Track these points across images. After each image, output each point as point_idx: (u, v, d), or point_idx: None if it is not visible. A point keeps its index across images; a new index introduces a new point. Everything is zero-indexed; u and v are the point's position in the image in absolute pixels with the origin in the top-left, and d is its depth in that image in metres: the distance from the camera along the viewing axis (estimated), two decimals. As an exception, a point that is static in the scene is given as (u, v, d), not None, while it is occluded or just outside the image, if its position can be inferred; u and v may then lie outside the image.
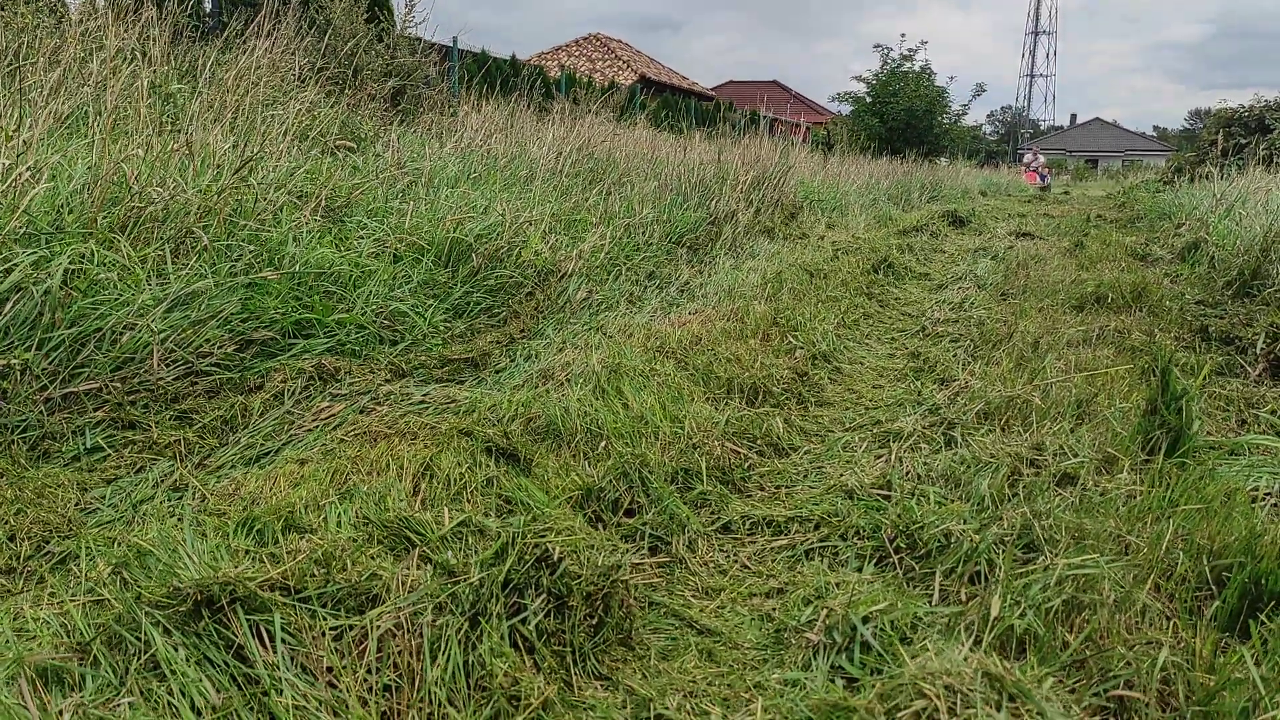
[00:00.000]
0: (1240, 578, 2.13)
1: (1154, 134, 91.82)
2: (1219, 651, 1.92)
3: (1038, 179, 29.89)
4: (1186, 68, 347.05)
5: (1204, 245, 7.92)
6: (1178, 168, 19.32)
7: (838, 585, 2.36)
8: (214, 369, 3.28)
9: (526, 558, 2.02)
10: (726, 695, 1.93)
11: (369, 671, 1.72)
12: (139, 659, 1.65)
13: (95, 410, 2.91)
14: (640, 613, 2.23)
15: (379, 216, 4.86)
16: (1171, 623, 2.03)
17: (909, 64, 28.71)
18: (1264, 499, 2.88)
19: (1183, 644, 1.92)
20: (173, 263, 3.48)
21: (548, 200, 6.46)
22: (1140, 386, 3.87)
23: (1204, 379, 3.90)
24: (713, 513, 2.85)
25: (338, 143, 5.73)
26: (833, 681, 1.88)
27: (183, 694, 1.60)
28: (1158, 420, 3.10)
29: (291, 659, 1.70)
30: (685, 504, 2.78)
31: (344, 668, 1.71)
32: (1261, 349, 4.58)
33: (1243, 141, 15.47)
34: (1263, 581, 2.12)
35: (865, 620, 2.03)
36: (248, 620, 1.74)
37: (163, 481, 2.66)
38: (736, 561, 2.60)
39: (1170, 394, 3.10)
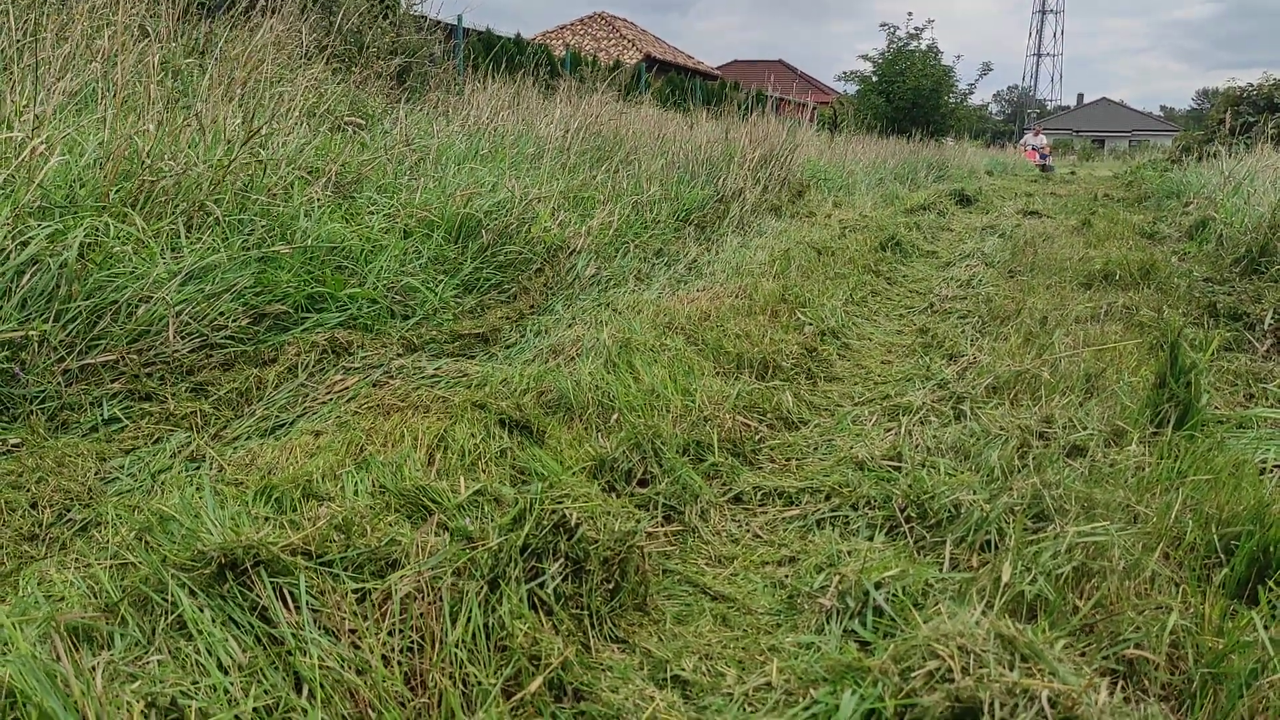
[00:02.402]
0: (1249, 546, 2.15)
1: (1161, 114, 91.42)
2: (1227, 617, 1.94)
3: (1037, 157, 29.66)
4: (1195, 47, 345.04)
5: (1212, 223, 7.91)
6: (1185, 147, 19.25)
7: (849, 553, 2.39)
8: (228, 342, 3.30)
9: (544, 523, 2.05)
10: (741, 657, 1.96)
11: (391, 633, 1.74)
12: (166, 619, 1.68)
13: (112, 382, 2.94)
14: (655, 579, 2.26)
15: (389, 192, 4.87)
16: (1180, 589, 2.05)
17: (915, 43, 28.52)
18: (1272, 470, 2.90)
19: (1191, 609, 1.95)
20: (186, 236, 3.50)
21: (556, 178, 6.47)
22: (1149, 361, 3.88)
23: (1212, 354, 3.91)
24: (724, 484, 2.88)
25: (346, 119, 5.74)
26: (846, 644, 1.90)
27: (209, 653, 1.63)
28: (1166, 394, 3.11)
29: (315, 620, 1.73)
30: (697, 475, 2.81)
31: (366, 629, 1.74)
32: (1270, 325, 4.59)
33: (1251, 120, 15.41)
34: (1271, 549, 2.14)
35: (878, 586, 2.06)
36: (271, 583, 1.76)
37: (180, 452, 2.69)
38: (749, 531, 2.62)
39: (1179, 368, 3.11)
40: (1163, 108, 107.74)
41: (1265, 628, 1.81)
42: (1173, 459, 2.71)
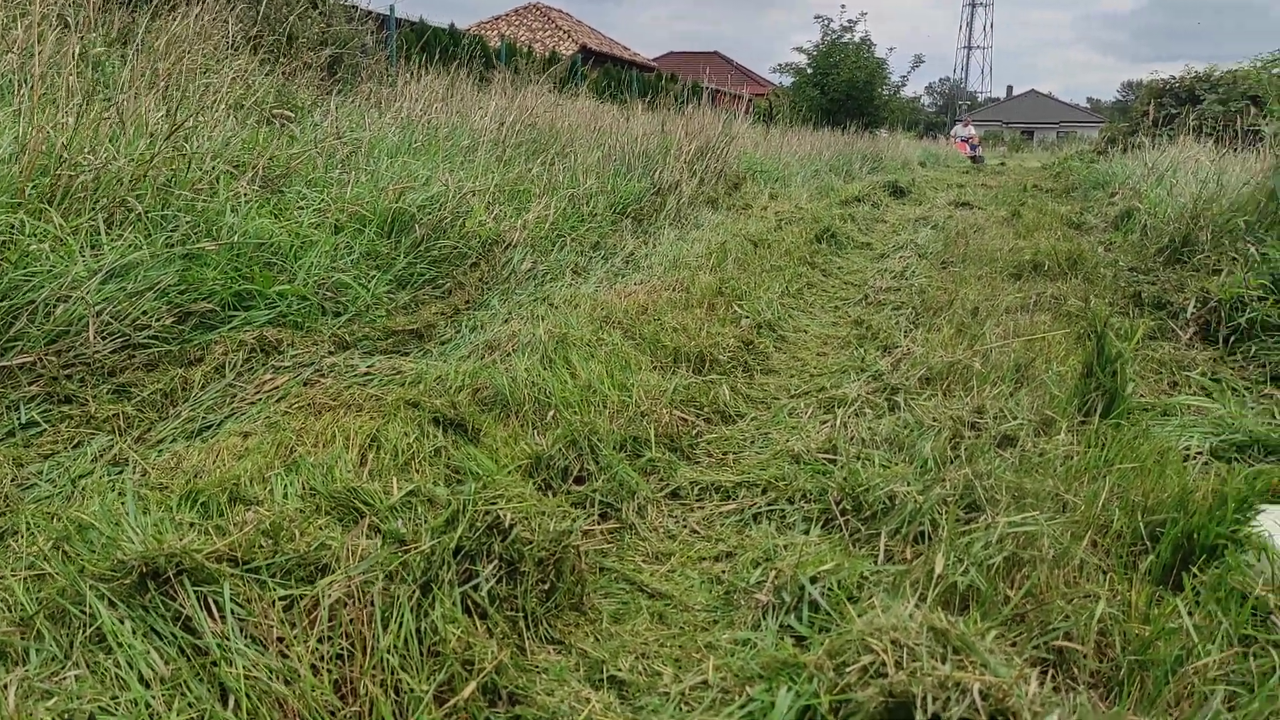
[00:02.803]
0: (1173, 532, 2.19)
1: (1088, 105, 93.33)
2: (1154, 603, 1.97)
3: (968, 149, 30.06)
4: (1119, 40, 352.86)
5: (1136, 214, 8.08)
6: (1111, 138, 19.65)
7: (786, 547, 2.39)
8: (152, 341, 3.21)
9: (478, 525, 2.02)
10: (678, 656, 1.95)
11: (320, 640, 1.71)
12: (84, 632, 1.63)
13: (30, 385, 2.84)
14: (592, 578, 2.25)
15: (319, 187, 4.78)
16: (1108, 577, 2.09)
17: (849, 35, 28.79)
18: (1195, 457, 2.97)
19: (1119, 597, 1.98)
20: (106, 234, 3.40)
21: (491, 171, 6.41)
22: (1077, 351, 3.95)
23: (1137, 343, 3.99)
24: (662, 479, 2.87)
25: (274, 112, 5.62)
26: (782, 640, 1.91)
27: (130, 666, 1.58)
28: (1093, 383, 3.17)
29: (241, 629, 1.69)
30: (634, 471, 2.80)
31: (295, 637, 1.70)
32: (1192, 313, 4.71)
33: (1173, 112, 15.78)
34: (1194, 536, 2.18)
35: (813, 580, 2.06)
36: (195, 592, 1.72)
37: (102, 456, 2.61)
38: (686, 526, 2.62)
39: (1105, 357, 3.17)
40: (1089, 99, 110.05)
41: (1189, 614, 1.85)
42: (1100, 448, 2.76)
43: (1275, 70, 6.49)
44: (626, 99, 13.32)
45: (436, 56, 9.73)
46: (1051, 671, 1.78)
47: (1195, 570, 2.10)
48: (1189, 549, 2.18)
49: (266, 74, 6.52)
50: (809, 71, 28.77)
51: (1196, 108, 15.04)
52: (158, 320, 3.24)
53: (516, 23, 35.15)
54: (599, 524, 2.51)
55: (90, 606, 1.66)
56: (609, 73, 20.64)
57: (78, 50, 4.38)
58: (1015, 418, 3.08)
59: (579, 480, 2.69)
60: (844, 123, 23.88)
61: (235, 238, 3.76)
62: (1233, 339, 4.40)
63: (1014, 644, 1.83)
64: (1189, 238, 6.16)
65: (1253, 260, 4.99)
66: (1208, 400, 3.59)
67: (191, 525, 2.02)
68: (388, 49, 11.07)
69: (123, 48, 5.40)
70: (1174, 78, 17.62)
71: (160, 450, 2.70)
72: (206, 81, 5.04)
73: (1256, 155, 7.93)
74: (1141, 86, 21.17)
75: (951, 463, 2.76)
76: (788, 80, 29.98)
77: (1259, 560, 2.15)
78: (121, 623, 1.65)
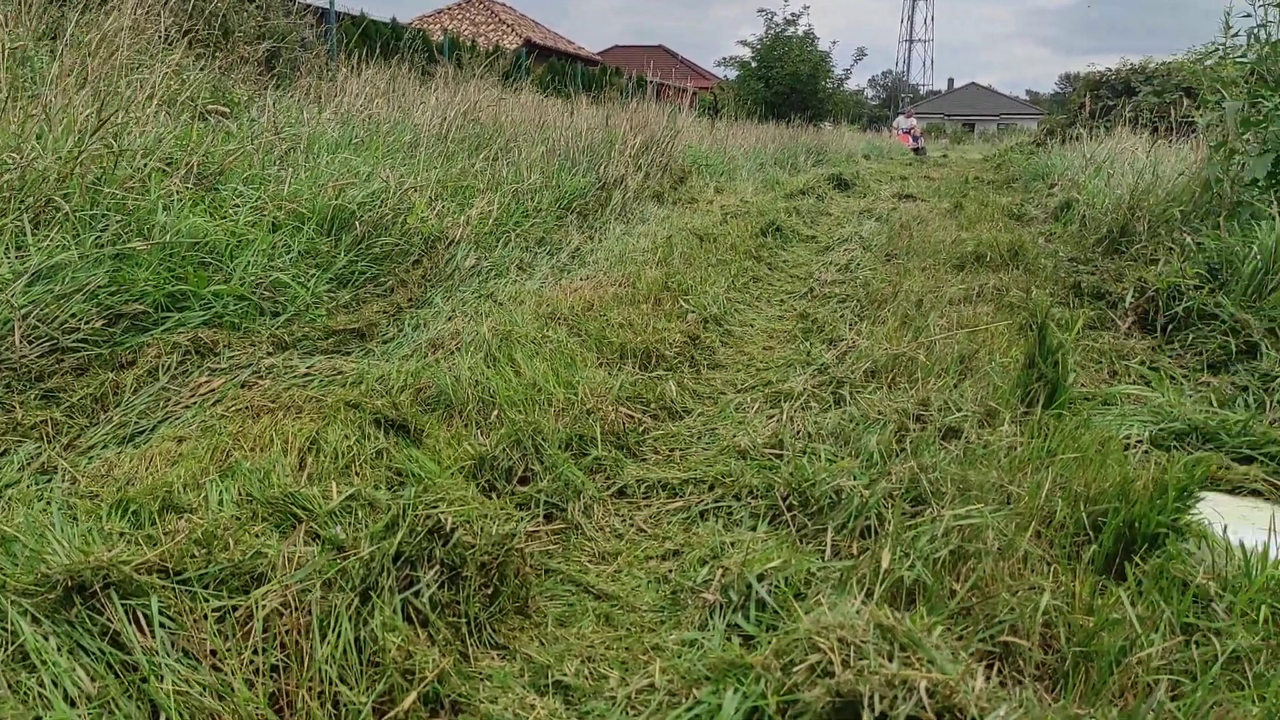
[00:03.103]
0: (1115, 522, 2.21)
1: (1027, 98, 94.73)
2: (1097, 594, 1.99)
3: (910, 140, 30.34)
4: (1058, 33, 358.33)
5: (1075, 205, 8.21)
6: (1050, 130, 19.97)
7: (733, 545, 2.38)
8: (82, 345, 3.11)
9: (418, 529, 1.98)
10: (625, 658, 1.93)
11: (255, 652, 1.66)
12: (5, 650, 1.56)
13: (-49, 392, 2.74)
14: (537, 580, 2.21)
15: (256, 184, 4.68)
16: (1052, 568, 2.10)
17: (793, 29, 28.95)
18: (1135, 446, 3.00)
19: (1063, 588, 1.99)
20: (33, 234, 3.29)
21: (433, 166, 6.32)
22: (1019, 342, 3.99)
23: (1078, 333, 4.04)
24: (608, 478, 2.85)
25: (209, 107, 5.49)
26: (730, 640, 1.89)
27: (55, 684, 1.52)
28: (1035, 374, 3.20)
29: (172, 643, 1.63)
30: (580, 470, 2.77)
31: (229, 650, 1.65)
32: (1130, 303, 4.78)
33: (1110, 104, 16.06)
34: (1136, 525, 2.20)
35: (760, 578, 2.05)
36: (123, 605, 1.66)
37: (29, 464, 2.52)
38: (632, 525, 2.60)
39: (1047, 348, 3.20)
40: (1028, 92, 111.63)
41: (1132, 604, 1.86)
42: (1042, 438, 2.78)
43: (1208, 62, 6.61)
44: (571, 93, 13.24)
45: (378, 51, 9.59)
46: (998, 665, 1.78)
47: (1137, 559, 2.12)
48: (1131, 538, 2.20)
49: (201, 69, 6.37)
50: (753, 65, 28.89)
51: (1132, 99, 15.33)
52: (87, 323, 3.15)
53: (460, 16, 34.86)
54: (544, 525, 2.48)
55: (12, 623, 1.60)
56: (554, 67, 20.55)
57: (6, 46, 4.24)
58: (959, 410, 3.10)
59: (524, 481, 2.65)
60: (789, 116, 24.02)
61: (168, 237, 3.66)
62: (1170, 328, 4.47)
63: (960, 638, 1.83)
64: (1127, 228, 6.27)
65: (1188, 250, 5.08)
66: (1147, 389, 3.64)
67: (121, 535, 1.96)
68: (328, 43, 10.90)
69: (52, 42, 5.24)
70: (1110, 70, 17.94)
71: (90, 457, 2.62)
72: (139, 77, 4.91)
73: (1191, 146, 8.09)
74: (1079, 79, 21.52)
75: (897, 456, 2.76)
76: (733, 74, 30.09)
77: (1199, 548, 2.18)
78: (46, 639, 1.58)
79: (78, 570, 1.67)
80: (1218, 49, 6.66)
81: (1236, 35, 6.40)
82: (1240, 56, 6.37)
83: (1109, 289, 5.10)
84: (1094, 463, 2.55)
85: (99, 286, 3.25)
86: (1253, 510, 2.72)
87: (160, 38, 6.04)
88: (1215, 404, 3.51)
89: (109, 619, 1.64)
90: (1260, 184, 5.57)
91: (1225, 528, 2.29)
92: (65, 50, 4.72)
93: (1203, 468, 2.35)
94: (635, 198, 8.37)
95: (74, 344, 3.09)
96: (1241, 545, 2.17)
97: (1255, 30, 6.15)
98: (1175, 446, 3.13)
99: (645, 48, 52.02)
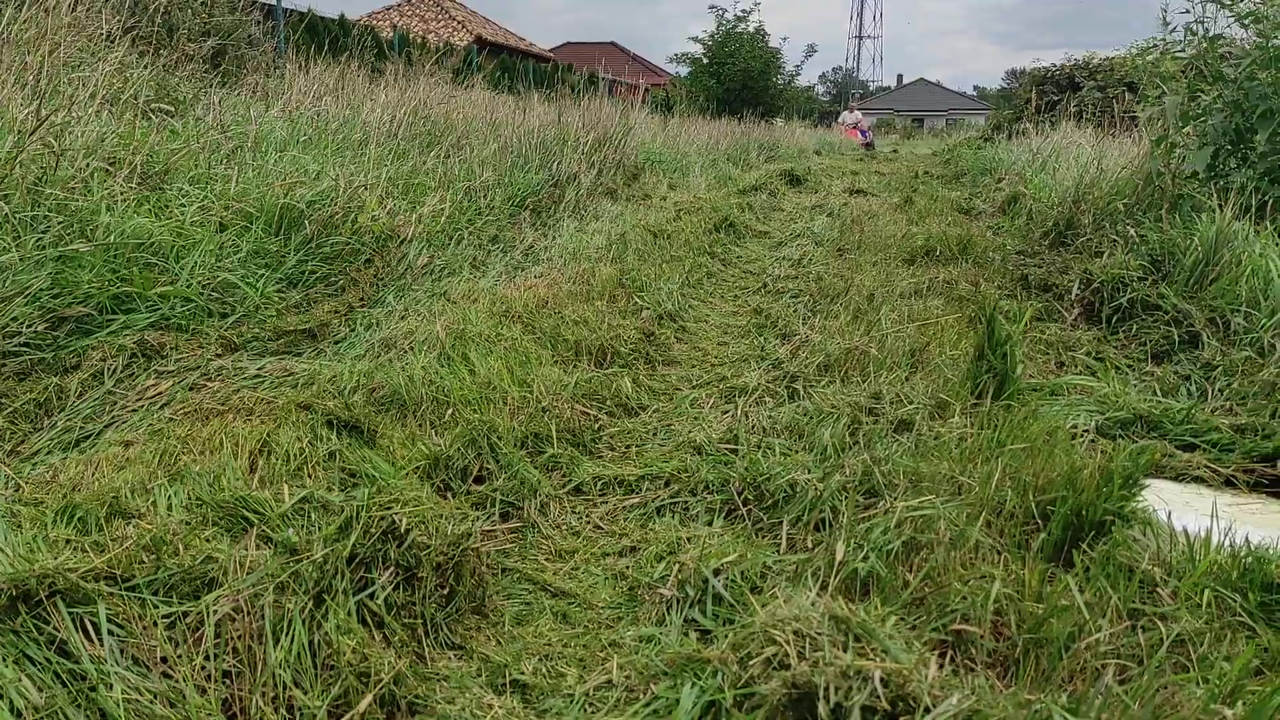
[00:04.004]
0: (1063, 510, 2.25)
1: (975, 93, 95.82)
2: (1046, 581, 2.02)
3: (859, 135, 30.49)
4: (1006, 29, 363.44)
5: (1022, 199, 8.33)
6: (997, 125, 20.25)
7: (689, 540, 2.39)
8: (23, 349, 3.05)
9: (373, 531, 1.97)
10: (582, 656, 1.93)
11: (207, 658, 1.63)
12: (-52, 663, 1.53)
13: (-112, 399, 2.67)
14: (493, 580, 2.21)
15: (202, 183, 4.61)
16: (1002, 557, 2.13)
17: (743, 25, 29.04)
18: (1082, 435, 3.05)
19: (1013, 576, 2.02)
20: (-29, 236, 3.22)
21: (384, 164, 6.26)
22: (969, 334, 4.04)
23: (1025, 325, 4.10)
24: (564, 475, 2.84)
25: (153, 106, 5.40)
26: (687, 635, 1.90)
27: (1, 695, 1.49)
28: (985, 366, 3.24)
29: (121, 651, 1.61)
30: (536, 468, 2.76)
31: (179, 656, 1.62)
32: (1076, 295, 4.86)
33: (1055, 99, 16.31)
34: (1083, 513, 2.24)
35: (716, 573, 2.06)
36: (71, 614, 1.63)
37: (-30, 472, 2.46)
38: (589, 522, 2.59)
39: (995, 340, 3.24)
40: (976, 87, 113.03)
41: (1080, 591, 1.90)
42: (992, 429, 2.82)
43: (1149, 57, 6.73)
44: (522, 90, 13.19)
45: (326, 47, 9.48)
46: (951, 653, 1.81)
47: (1085, 547, 2.15)
48: (1079, 526, 2.24)
49: (145, 66, 6.26)
50: (705, 61, 28.95)
51: (1077, 94, 15.57)
52: (29, 326, 3.08)
53: (410, 13, 34.57)
54: (500, 524, 2.47)
55: (-46, 635, 1.56)
56: (505, 64, 20.45)
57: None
58: (911, 402, 3.13)
59: (479, 480, 2.64)
60: (741, 112, 24.11)
61: (112, 238, 3.59)
62: (1115, 319, 4.55)
63: (914, 628, 1.85)
64: (1072, 221, 6.37)
65: (1132, 242, 5.17)
66: (1093, 379, 3.71)
67: (68, 543, 1.92)
68: (275, 40, 10.76)
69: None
70: (1055, 65, 18.22)
71: (35, 463, 2.57)
72: (80, 75, 4.82)
73: (1134, 140, 8.23)
74: (1025, 74, 21.83)
75: (850, 449, 2.79)
76: (685, 70, 30.12)
77: (1145, 535, 2.22)
78: (-10, 651, 1.55)
79: (22, 579, 1.64)
80: (1157, 44, 6.79)
81: (1175, 30, 6.53)
82: (1179, 51, 6.49)
83: (1055, 281, 5.18)
84: (1042, 452, 2.59)
85: (41, 289, 3.19)
86: (1196, 497, 2.78)
87: (102, 35, 5.92)
88: (1159, 393, 3.58)
89: (56, 628, 1.61)
90: (1200, 177, 5.69)
91: (1169, 514, 2.34)
92: (2, 48, 4.62)
93: (1147, 456, 2.40)
94: (589, 194, 8.35)
95: (15, 348, 3.03)
96: (1185, 531, 2.22)
97: (1192, 25, 6.28)
98: (1121, 435, 3.19)
99: (597, 44, 51.99)
